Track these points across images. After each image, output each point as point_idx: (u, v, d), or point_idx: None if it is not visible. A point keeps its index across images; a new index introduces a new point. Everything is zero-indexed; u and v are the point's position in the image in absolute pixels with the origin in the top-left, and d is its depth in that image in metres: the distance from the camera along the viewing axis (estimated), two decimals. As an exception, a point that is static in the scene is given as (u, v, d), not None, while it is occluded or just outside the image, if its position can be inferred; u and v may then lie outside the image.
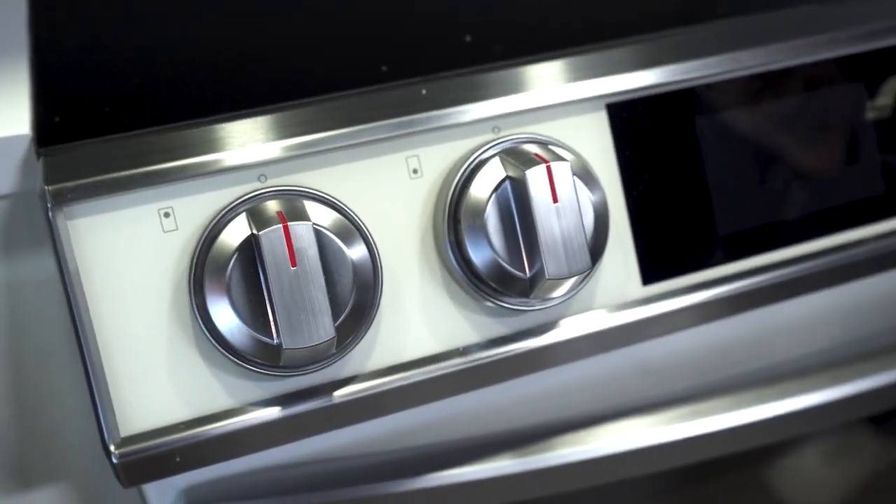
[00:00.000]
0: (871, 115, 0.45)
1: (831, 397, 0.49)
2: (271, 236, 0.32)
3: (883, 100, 0.45)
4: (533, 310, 0.38)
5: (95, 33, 0.44)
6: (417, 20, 0.45)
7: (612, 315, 0.40)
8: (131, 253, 0.35)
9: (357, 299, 0.35)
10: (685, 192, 0.42)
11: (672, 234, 0.41)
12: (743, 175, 0.43)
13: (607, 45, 0.41)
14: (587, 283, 0.39)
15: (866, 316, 0.51)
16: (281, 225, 0.32)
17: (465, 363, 0.38)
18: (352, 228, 0.35)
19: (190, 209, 0.35)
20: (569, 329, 0.40)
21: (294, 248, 0.32)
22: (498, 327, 0.39)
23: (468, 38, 0.43)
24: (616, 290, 0.41)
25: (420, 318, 0.38)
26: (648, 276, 0.41)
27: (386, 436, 0.43)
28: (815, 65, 0.44)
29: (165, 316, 0.35)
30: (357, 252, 0.35)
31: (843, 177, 0.45)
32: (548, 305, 0.38)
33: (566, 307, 0.40)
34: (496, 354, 0.39)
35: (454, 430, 0.44)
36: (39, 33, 0.42)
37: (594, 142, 0.40)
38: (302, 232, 0.32)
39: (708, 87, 0.42)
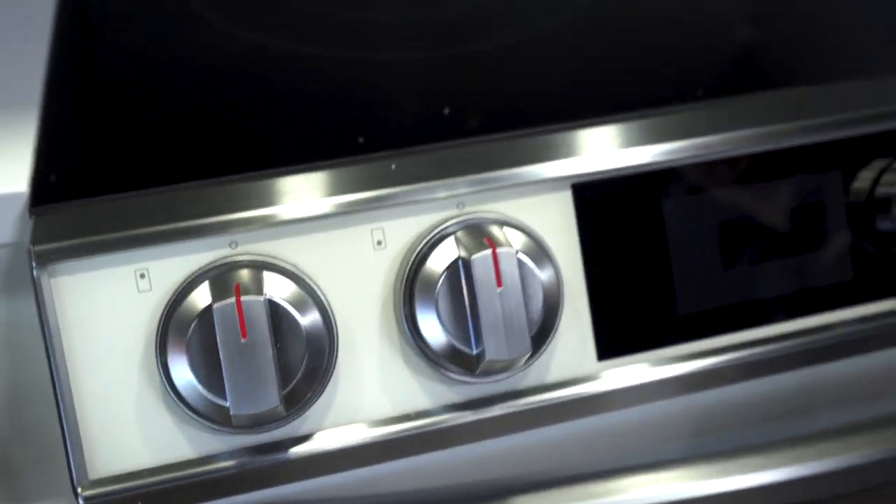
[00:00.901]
0: (844, 200, 0.45)
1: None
2: (225, 309, 0.35)
3: (859, 185, 0.46)
4: (482, 383, 0.40)
5: (101, 94, 0.47)
6: (399, 88, 0.48)
7: (565, 389, 0.42)
8: (108, 310, 0.38)
9: (310, 364, 0.37)
10: (647, 271, 0.43)
11: (630, 312, 0.43)
12: (708, 257, 0.44)
13: (578, 124, 0.43)
14: (540, 356, 0.41)
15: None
16: (234, 299, 0.35)
17: (417, 428, 0.40)
18: (307, 298, 0.37)
19: (164, 271, 0.38)
20: (520, 400, 0.42)
21: (245, 320, 0.35)
22: (451, 395, 0.41)
23: (447, 111, 0.45)
24: (571, 364, 0.42)
25: (377, 383, 0.40)
26: (604, 352, 0.43)
27: (363, 480, 0.45)
28: (786, 150, 0.44)
29: (136, 370, 0.38)
30: (311, 320, 0.37)
31: (812, 261, 0.45)
32: (497, 380, 0.40)
33: (520, 378, 0.42)
34: (447, 421, 0.41)
35: (428, 478, 0.46)
36: (52, 92, 0.45)
37: (557, 220, 0.42)
38: (254, 306, 0.35)
39: (676, 169, 0.43)
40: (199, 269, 0.38)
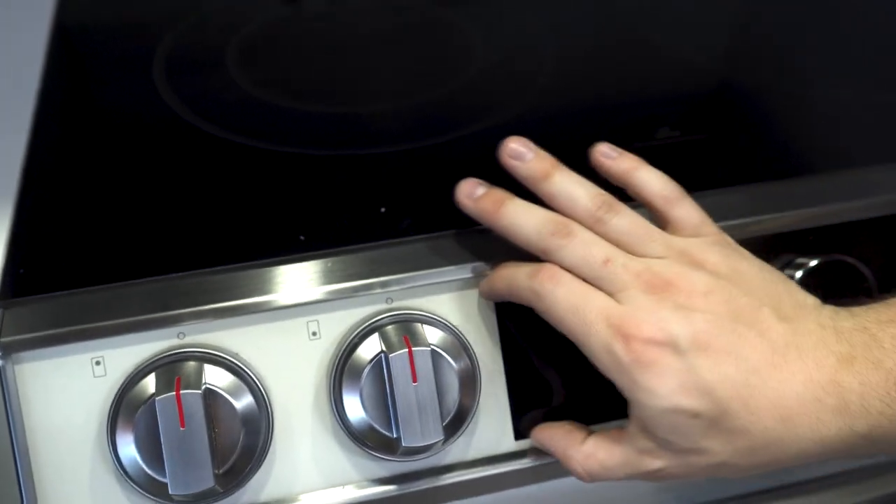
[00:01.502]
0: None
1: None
2: (166, 401, 0.39)
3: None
4: (404, 461, 0.44)
5: (71, 189, 0.52)
6: (339, 186, 0.52)
7: (484, 466, 0.46)
8: (66, 393, 0.42)
9: (245, 444, 0.42)
10: (561, 359, 0.47)
11: (545, 396, 0.47)
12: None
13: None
14: (460, 437, 0.45)
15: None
16: (174, 393, 0.39)
17: (346, 500, 0.45)
18: (243, 385, 0.42)
19: (118, 359, 0.42)
20: (442, 476, 0.46)
21: (184, 412, 0.39)
22: (377, 470, 0.45)
23: (383, 210, 0.49)
24: (490, 443, 0.47)
25: (310, 459, 0.45)
26: (521, 431, 0.47)
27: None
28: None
29: (90, 448, 0.42)
30: (246, 404, 0.42)
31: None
32: (418, 458, 0.44)
33: (443, 455, 0.46)
34: (375, 494, 0.45)
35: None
36: (27, 187, 0.50)
37: (479, 313, 0.46)
38: (191, 400, 0.39)
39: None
40: (150, 358, 0.42)
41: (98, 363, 0.42)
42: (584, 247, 0.42)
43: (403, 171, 0.54)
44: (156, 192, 0.51)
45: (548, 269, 0.42)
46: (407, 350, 0.41)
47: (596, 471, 0.42)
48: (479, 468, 0.46)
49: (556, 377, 0.47)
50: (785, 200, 0.50)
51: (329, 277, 0.45)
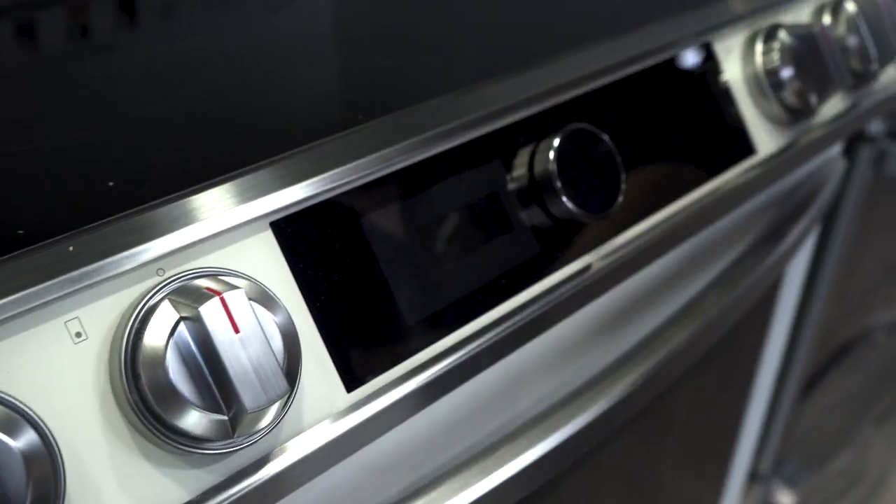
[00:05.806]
0: (511, 185, 0.49)
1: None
2: None
3: (518, 171, 0.50)
4: (241, 448, 0.36)
5: None
6: (53, 173, 0.42)
7: (323, 430, 0.40)
8: None
9: (36, 494, 0.31)
10: (366, 292, 0.42)
11: (363, 336, 0.42)
12: (416, 263, 0.44)
13: (260, 165, 0.41)
14: (291, 405, 0.38)
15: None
16: None
17: (181, 526, 0.35)
18: (15, 416, 0.31)
19: None
20: (283, 457, 0.38)
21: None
22: (208, 477, 0.37)
23: (111, 184, 0.41)
24: (322, 404, 0.40)
25: (116, 491, 0.35)
26: (351, 383, 0.41)
27: None
28: (453, 149, 0.47)
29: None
30: (26, 441, 0.31)
31: (504, 245, 0.48)
32: (256, 440, 0.37)
33: (275, 436, 0.39)
34: (213, 506, 0.36)
35: None
36: None
37: (267, 262, 0.40)
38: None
39: (365, 187, 0.43)
40: None
41: None
42: None
43: (106, 152, 0.45)
44: None
45: None
46: (217, 297, 0.33)
47: None
48: (319, 434, 0.40)
49: (369, 311, 0.42)
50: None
51: (75, 262, 0.35)
